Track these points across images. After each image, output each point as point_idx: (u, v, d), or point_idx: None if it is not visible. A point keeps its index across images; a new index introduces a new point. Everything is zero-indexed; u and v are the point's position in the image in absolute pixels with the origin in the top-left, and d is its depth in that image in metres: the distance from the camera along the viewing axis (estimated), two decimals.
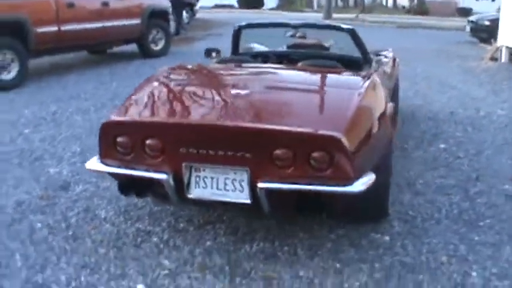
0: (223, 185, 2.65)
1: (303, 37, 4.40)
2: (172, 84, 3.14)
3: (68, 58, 9.64)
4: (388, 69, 4.54)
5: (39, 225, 3.30)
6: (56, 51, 8.43)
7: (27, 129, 5.34)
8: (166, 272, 2.74)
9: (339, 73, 3.41)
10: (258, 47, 4.57)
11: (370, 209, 3.06)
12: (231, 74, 3.47)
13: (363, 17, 25.48)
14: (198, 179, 2.69)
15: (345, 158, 2.43)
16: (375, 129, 2.77)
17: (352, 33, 4.00)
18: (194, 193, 2.71)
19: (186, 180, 2.69)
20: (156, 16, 10.30)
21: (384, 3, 58.08)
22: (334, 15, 25.48)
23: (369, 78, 3.18)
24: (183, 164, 2.66)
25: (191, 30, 15.78)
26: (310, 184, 2.46)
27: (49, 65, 9.12)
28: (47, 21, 7.92)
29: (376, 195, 2.94)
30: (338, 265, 2.80)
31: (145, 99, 3.00)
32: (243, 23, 4.48)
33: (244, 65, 3.65)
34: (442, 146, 4.83)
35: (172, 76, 3.30)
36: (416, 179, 3.99)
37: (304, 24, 4.31)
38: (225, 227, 3.20)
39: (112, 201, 3.60)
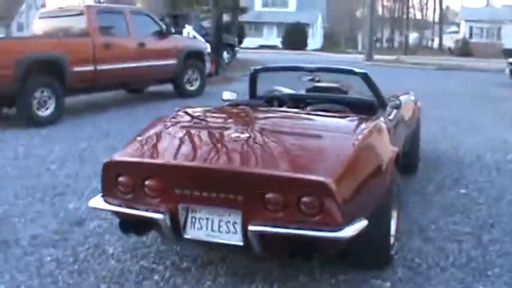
0: (218, 227, 2.69)
1: (318, 81, 4.46)
2: (175, 127, 3.24)
3: (104, 97, 10.00)
4: (405, 112, 4.53)
5: (48, 258, 3.40)
6: (92, 89, 8.76)
7: (54, 165, 5.54)
8: None
9: (342, 118, 3.43)
10: (283, 90, 4.64)
11: (369, 255, 3.03)
12: (233, 117, 3.55)
13: (404, 59, 25.48)
14: (193, 219, 2.74)
15: (333, 203, 2.44)
16: (372, 176, 2.78)
17: (365, 77, 4.03)
18: (190, 233, 2.76)
19: (182, 221, 2.75)
20: (192, 57, 10.60)
21: (430, 44, 57.82)
22: (376, 57, 25.54)
23: (372, 123, 3.19)
24: (180, 205, 2.72)
25: (231, 71, 16.04)
26: (299, 229, 2.47)
27: (86, 103, 9.47)
28: (83, 60, 8.28)
29: (375, 242, 2.92)
30: None
31: (148, 140, 3.10)
32: (258, 67, 4.58)
33: (250, 108, 3.73)
34: (463, 191, 4.74)
35: (177, 119, 3.40)
36: (429, 225, 3.92)
37: (318, 68, 4.37)
38: (226, 268, 3.22)
39: (122, 238, 3.67)
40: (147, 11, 10.31)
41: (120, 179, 2.85)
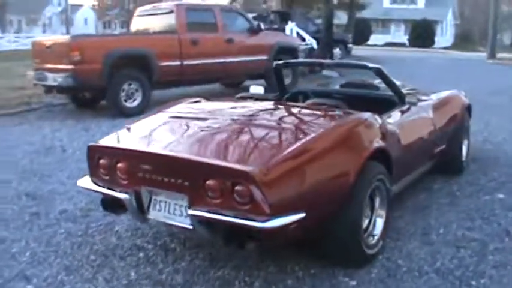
0: (173, 210, 2.84)
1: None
2: (161, 117, 3.46)
3: (200, 90, 10.42)
4: (439, 111, 4.34)
5: (62, 231, 3.78)
6: (179, 83, 9.25)
7: None
8: None
9: (326, 112, 3.38)
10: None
11: (338, 252, 3.01)
12: (219, 109, 3.65)
13: None
14: (155, 202, 2.92)
15: (260, 194, 2.47)
16: (326, 171, 2.75)
17: (378, 72, 3.91)
18: (152, 214, 2.94)
19: (146, 203, 2.94)
20: (284, 53, 10.72)
21: None
22: (499, 55, 23.86)
23: (351, 118, 3.15)
24: (143, 188, 2.91)
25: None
26: (232, 216, 2.54)
27: (176, 96, 10.01)
28: (170, 56, 8.79)
29: (342, 239, 2.92)
30: None
31: (132, 128, 3.37)
32: (280, 62, 4.62)
33: (244, 101, 3.83)
34: (500, 196, 4.39)
35: (170, 110, 3.62)
36: (439, 228, 3.71)
37: (334, 63, 4.33)
38: (207, 252, 3.34)
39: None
40: (238, 9, 10.62)
41: (100, 161, 3.11)
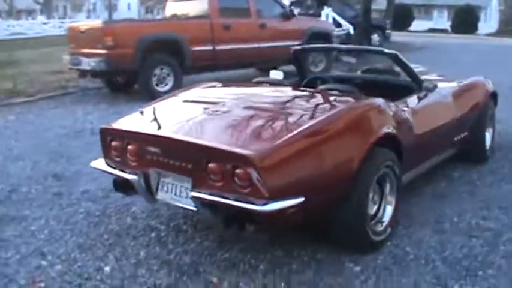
0: (179, 192, 2.90)
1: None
2: (173, 101, 3.52)
3: (231, 75, 10.46)
4: (459, 97, 4.27)
5: (81, 210, 3.92)
6: (212, 68, 9.31)
7: None
8: None
9: (334, 98, 3.36)
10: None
11: (344, 237, 3.03)
12: (231, 94, 3.68)
13: None
14: (163, 183, 2.99)
15: (258, 177, 2.50)
16: (328, 156, 2.76)
17: (395, 57, 3.86)
18: (160, 195, 3.01)
19: (155, 184, 3.01)
20: (317, 38, 10.63)
21: None
22: None
23: (357, 103, 3.12)
24: (151, 170, 2.98)
25: None
26: (233, 199, 2.58)
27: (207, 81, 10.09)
28: (202, 41, 8.85)
29: (348, 223, 2.93)
30: (283, 284, 2.83)
31: (144, 112, 3.44)
32: (298, 47, 4.61)
33: (258, 86, 3.86)
34: None
35: (182, 94, 3.68)
36: (453, 216, 3.66)
37: (351, 48, 4.32)
38: (217, 235, 3.39)
39: None
40: None
41: (112, 143, 3.20)
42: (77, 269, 3.05)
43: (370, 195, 3.08)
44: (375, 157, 2.99)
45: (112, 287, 2.86)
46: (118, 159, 3.20)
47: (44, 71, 11.26)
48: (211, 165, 2.65)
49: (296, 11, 15.32)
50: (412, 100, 3.78)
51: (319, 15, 13.33)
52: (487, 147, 4.87)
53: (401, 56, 3.87)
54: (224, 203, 2.60)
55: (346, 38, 13.65)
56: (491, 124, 4.97)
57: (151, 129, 3.12)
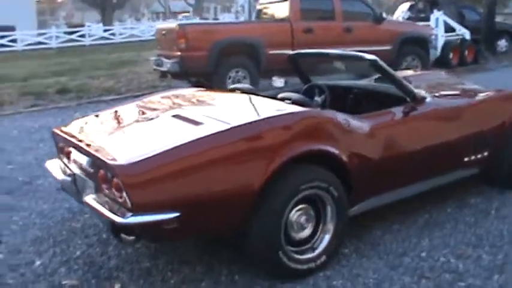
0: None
1: None
2: (126, 107, 3.59)
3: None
4: (464, 110, 3.79)
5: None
6: (289, 72, 9.16)
7: None
8: None
9: (271, 109, 3.09)
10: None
11: (258, 256, 2.81)
12: (177, 101, 3.58)
13: None
14: (86, 187, 3.01)
15: (124, 188, 2.41)
16: (217, 172, 2.56)
17: (374, 64, 3.47)
18: (84, 198, 3.04)
19: (81, 187, 3.05)
20: (411, 43, 10.02)
21: None
22: None
23: (281, 118, 2.88)
24: (80, 173, 3.03)
25: (509, 60, 14.09)
26: (102, 206, 2.55)
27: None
28: (280, 44, 8.75)
29: (258, 245, 2.74)
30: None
31: (100, 115, 3.56)
32: (292, 53, 4.35)
33: (214, 92, 3.80)
34: None
35: (142, 100, 3.70)
36: (423, 251, 3.20)
37: (337, 54, 3.95)
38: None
39: None
40: None
41: (58, 145, 3.33)
42: (14, 260, 3.21)
43: (295, 218, 2.83)
44: (291, 176, 2.73)
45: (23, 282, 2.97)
46: (61, 160, 3.30)
47: (148, 70, 11.97)
48: (100, 172, 2.63)
49: (407, 14, 14.60)
50: (389, 113, 3.39)
51: (428, 19, 12.44)
52: None
53: (381, 63, 3.48)
54: (96, 210, 2.56)
55: (462, 44, 12.62)
56: None
57: (78, 136, 3.15)
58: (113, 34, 27.77)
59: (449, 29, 12.45)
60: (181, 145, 2.55)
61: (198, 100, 3.62)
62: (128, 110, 3.53)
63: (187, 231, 2.60)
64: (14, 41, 23.55)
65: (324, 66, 4.30)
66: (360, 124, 3.14)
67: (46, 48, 23.37)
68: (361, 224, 3.45)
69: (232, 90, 3.85)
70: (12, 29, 23.67)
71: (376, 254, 3.18)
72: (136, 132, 3.03)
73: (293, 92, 3.53)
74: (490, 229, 3.51)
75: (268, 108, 3.15)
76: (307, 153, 2.79)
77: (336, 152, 2.92)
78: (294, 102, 3.25)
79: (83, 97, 9.49)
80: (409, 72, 4.96)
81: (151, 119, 3.14)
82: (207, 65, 8.26)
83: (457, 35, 12.61)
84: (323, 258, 2.94)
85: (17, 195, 4.42)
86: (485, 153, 3.91)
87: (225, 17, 45.30)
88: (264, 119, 2.83)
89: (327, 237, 2.96)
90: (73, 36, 25.83)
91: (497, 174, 4.12)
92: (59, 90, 10.04)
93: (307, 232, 2.92)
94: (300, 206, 2.86)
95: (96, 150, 2.73)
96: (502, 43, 15.33)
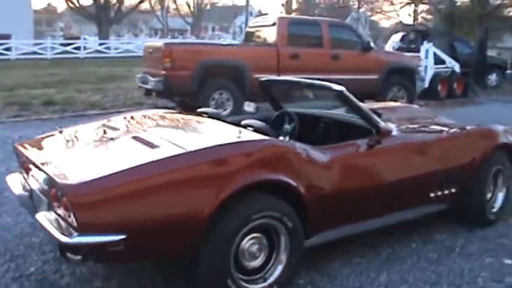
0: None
1: None
2: (90, 126, 3.59)
3: None
4: (433, 145, 3.80)
5: None
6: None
7: None
8: None
9: (229, 136, 3.11)
10: None
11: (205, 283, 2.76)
12: (137, 123, 3.59)
13: None
14: (40, 203, 2.98)
15: (71, 208, 2.40)
16: (161, 197, 2.54)
17: (340, 95, 3.48)
18: (36, 215, 2.98)
19: (36, 202, 3.02)
20: (398, 73, 10.10)
21: None
22: None
23: (239, 144, 2.90)
24: (35, 189, 3.00)
25: (500, 94, 14.21)
26: (49, 225, 2.53)
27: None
28: (265, 68, 8.73)
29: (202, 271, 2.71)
30: None
31: (62, 132, 3.55)
32: (263, 79, 4.36)
33: (180, 115, 3.84)
34: (507, 261, 3.60)
35: (111, 118, 3.70)
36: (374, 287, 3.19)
37: (306, 83, 3.96)
38: None
39: None
40: (350, 25, 10.23)
41: (20, 160, 3.30)
42: None
43: (247, 247, 2.81)
44: (242, 204, 2.71)
45: None
46: (22, 175, 3.27)
47: (135, 87, 11.96)
48: (52, 190, 2.61)
49: (397, 45, 14.75)
50: (352, 145, 3.39)
51: (418, 50, 12.57)
52: (493, 210, 4.19)
53: (347, 93, 3.48)
54: (44, 228, 2.53)
55: (451, 76, 12.75)
56: (505, 183, 4.27)
57: (37, 153, 3.12)
58: (108, 48, 27.84)
59: (439, 61, 12.57)
60: (132, 168, 2.54)
61: (161, 123, 3.62)
62: (92, 128, 3.51)
63: (134, 254, 2.56)
64: (8, 49, 23.53)
65: (296, 93, 4.30)
66: (319, 155, 3.14)
67: (40, 59, 23.36)
68: (321, 255, 3.42)
69: (199, 114, 3.85)
70: (8, 37, 23.66)
71: (331, 287, 3.15)
72: (93, 152, 3.02)
73: (258, 120, 3.53)
74: (452, 266, 3.49)
75: (227, 134, 3.15)
76: (261, 182, 2.78)
77: (292, 182, 2.90)
78: (256, 130, 3.25)
79: (67, 110, 9.47)
80: (381, 105, 4.97)
81: (111, 139, 3.14)
82: (191, 84, 8.27)
83: (447, 67, 12.73)
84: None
85: None
86: (453, 190, 3.91)
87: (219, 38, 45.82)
88: (220, 146, 2.82)
89: (280, 268, 2.93)
90: (68, 48, 25.85)
91: (466, 212, 4.11)
92: (45, 102, 10.02)
93: (259, 261, 2.89)
94: (253, 235, 2.83)
95: (50, 169, 2.71)
96: (493, 77, 15.53)
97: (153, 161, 2.59)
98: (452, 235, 4.01)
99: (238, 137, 3.00)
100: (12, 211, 4.23)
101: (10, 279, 3.11)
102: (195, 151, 2.71)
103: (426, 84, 11.54)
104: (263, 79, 4.36)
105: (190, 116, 3.81)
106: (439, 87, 12.39)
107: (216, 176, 2.66)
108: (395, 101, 9.51)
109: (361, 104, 3.57)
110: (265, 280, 2.90)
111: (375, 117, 3.56)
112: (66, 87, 12.63)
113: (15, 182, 3.31)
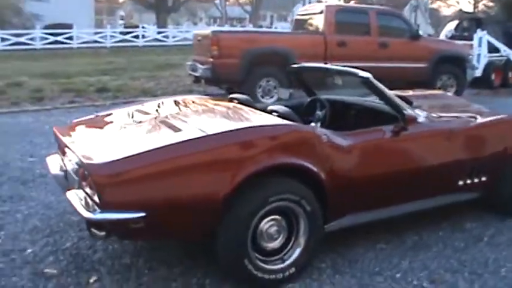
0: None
1: None
2: (125, 110, 3.78)
3: None
4: (460, 133, 3.78)
5: None
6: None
7: None
8: None
9: (254, 121, 3.20)
10: None
11: (223, 260, 2.89)
12: (165, 107, 3.73)
13: None
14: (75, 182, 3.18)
15: (95, 186, 2.58)
16: (180, 179, 2.67)
17: (366, 81, 3.49)
18: (66, 193, 3.16)
19: (71, 181, 3.22)
20: (448, 61, 9.87)
21: None
22: None
23: (253, 129, 2.99)
24: (70, 169, 3.21)
25: None
26: (76, 201, 2.71)
27: None
28: (312, 56, 8.74)
29: (225, 251, 2.83)
30: None
31: (100, 116, 3.77)
32: (291, 66, 4.42)
33: (210, 101, 3.92)
34: None
35: (144, 103, 3.85)
36: (392, 269, 3.22)
37: (334, 69, 3.98)
38: None
39: None
40: (400, 13, 10.04)
41: (58, 142, 3.53)
42: (8, 246, 3.45)
43: (265, 228, 2.91)
44: (260, 187, 2.81)
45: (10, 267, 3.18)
46: (60, 156, 3.50)
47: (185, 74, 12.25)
48: (80, 170, 2.80)
49: (450, 33, 14.31)
50: (376, 131, 3.41)
51: (471, 38, 12.16)
52: None
53: (373, 80, 3.49)
54: (72, 205, 2.72)
55: (506, 65, 12.30)
56: None
57: (72, 136, 3.33)
58: (166, 36, 28.42)
59: (494, 49, 12.14)
60: (152, 150, 2.69)
61: (190, 107, 3.76)
62: (124, 113, 3.70)
63: (154, 232, 2.72)
64: (70, 38, 24.47)
65: (327, 80, 4.34)
66: (342, 141, 3.19)
67: (100, 47, 24.17)
68: (346, 240, 3.49)
69: (230, 100, 3.97)
70: (70, 26, 24.57)
71: (351, 271, 3.21)
72: (120, 135, 3.19)
73: (285, 106, 3.61)
74: (476, 256, 3.48)
75: (250, 119, 3.25)
76: (280, 166, 2.86)
77: (312, 167, 2.97)
78: (280, 115, 3.34)
79: (119, 97, 9.84)
80: (411, 92, 4.92)
81: (140, 123, 3.31)
82: (238, 73, 8.41)
83: (501, 55, 12.27)
84: (292, 270, 3.00)
85: (30, 186, 4.67)
86: (484, 178, 3.87)
87: (277, 27, 45.71)
88: (238, 130, 2.93)
89: (298, 250, 3.01)
90: (127, 37, 26.61)
91: (497, 200, 4.06)
92: (99, 89, 10.45)
93: (278, 243, 2.99)
94: (272, 217, 2.93)
95: (80, 150, 2.90)
96: None
97: (172, 144, 2.74)
98: (483, 224, 3.97)
99: (260, 122, 3.10)
100: (56, 190, 4.50)
101: (47, 253, 3.35)
102: (214, 134, 2.84)
103: (479, 73, 11.17)
104: (291, 66, 4.42)
105: (219, 102, 3.93)
106: (493, 76, 11.98)
107: (232, 160, 2.77)
108: (444, 89, 9.32)
109: (387, 90, 3.57)
110: (283, 261, 2.99)
111: (401, 103, 3.57)
112: (122, 75, 13.08)
113: (54, 163, 3.55)
